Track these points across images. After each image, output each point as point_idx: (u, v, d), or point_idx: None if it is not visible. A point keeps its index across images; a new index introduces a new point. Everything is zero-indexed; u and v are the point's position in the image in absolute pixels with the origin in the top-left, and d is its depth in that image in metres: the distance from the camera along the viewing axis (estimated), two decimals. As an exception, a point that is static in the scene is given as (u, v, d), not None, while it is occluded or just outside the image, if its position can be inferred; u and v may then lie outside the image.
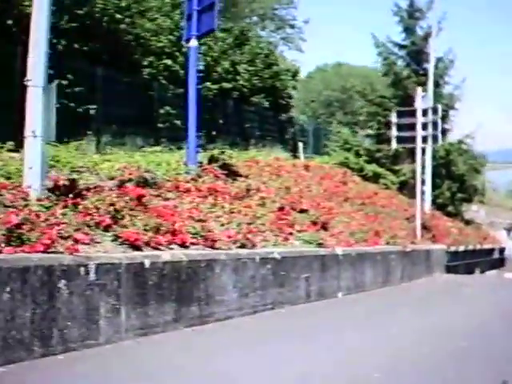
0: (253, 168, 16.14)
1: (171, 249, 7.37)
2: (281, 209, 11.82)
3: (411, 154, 26.07)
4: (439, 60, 26.16)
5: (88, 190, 7.95)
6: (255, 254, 8.48)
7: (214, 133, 18.90)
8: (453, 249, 17.54)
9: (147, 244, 7.10)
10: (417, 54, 26.49)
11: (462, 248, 18.47)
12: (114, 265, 6.08)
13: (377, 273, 12.38)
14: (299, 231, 11.17)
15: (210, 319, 7.40)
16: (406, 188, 25.63)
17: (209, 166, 12.77)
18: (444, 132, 26.82)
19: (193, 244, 7.90)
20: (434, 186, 24.91)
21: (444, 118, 26.76)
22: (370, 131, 27.01)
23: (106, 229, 7.01)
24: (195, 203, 9.75)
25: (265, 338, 6.97)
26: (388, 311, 9.59)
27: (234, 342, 6.73)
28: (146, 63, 16.96)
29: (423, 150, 23.87)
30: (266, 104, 24.48)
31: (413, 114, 16.67)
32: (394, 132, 17.32)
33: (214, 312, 7.48)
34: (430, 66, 23.99)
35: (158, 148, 13.36)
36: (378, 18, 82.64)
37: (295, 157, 24.99)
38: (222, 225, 9.31)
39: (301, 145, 26.06)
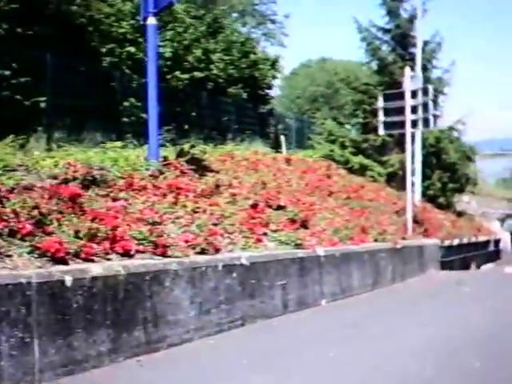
0: (227, 163, 14.80)
1: (108, 259, 6.00)
2: (254, 206, 10.45)
3: (399, 143, 24.85)
4: (426, 43, 24.80)
5: (11, 191, 6.55)
6: (217, 260, 7.11)
7: (186, 127, 17.50)
8: (447, 243, 16.22)
9: (76, 255, 5.72)
10: (402, 38, 25.14)
11: (456, 242, 17.15)
12: (21, 286, 4.69)
13: (365, 274, 11.04)
14: (275, 231, 9.83)
15: (161, 345, 6.04)
16: (395, 180, 24.39)
17: (174, 161, 11.36)
18: (434, 118, 25.59)
19: (139, 252, 6.55)
20: (424, 177, 23.60)
21: (433, 103, 25.51)
22: (356, 120, 25.58)
23: (25, 238, 5.63)
24: (150, 203, 8.39)
25: (230, 367, 5.62)
26: (377, 321, 8.24)
27: (191, 376, 5.38)
28: (105, 51, 15.51)
29: (412, 138, 22.62)
30: (245, 95, 23.10)
31: (401, 96, 15.32)
32: (380, 117, 15.99)
33: (166, 336, 6.12)
34: (418, 50, 22.59)
35: (118, 143, 11.93)
36: (361, 2, 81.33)
37: (277, 151, 23.62)
38: (182, 227, 7.96)
39: (283, 138, 24.69)
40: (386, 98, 15.97)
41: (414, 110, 15.21)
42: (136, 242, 6.63)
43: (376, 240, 12.40)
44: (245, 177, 13.34)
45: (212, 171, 12.84)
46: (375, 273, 11.48)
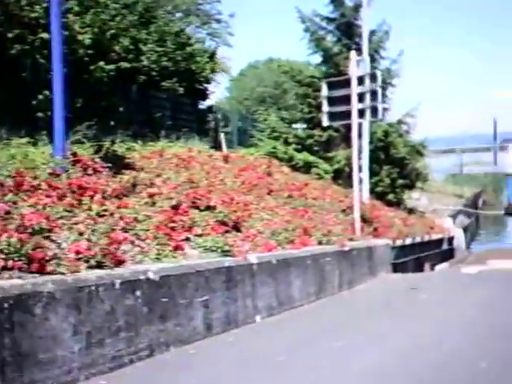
0: (154, 160, 13.31)
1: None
2: (176, 207, 8.96)
3: (346, 138, 23.54)
4: (373, 32, 23.55)
5: None
6: (114, 276, 5.61)
7: (112, 123, 15.91)
8: (399, 243, 14.93)
9: None
10: (348, 28, 23.83)
11: (408, 241, 15.88)
12: None
13: (308, 282, 9.63)
14: (200, 235, 8.38)
15: (29, 394, 4.52)
16: (342, 177, 23.15)
17: (85, 158, 9.80)
18: (383, 110, 24.38)
19: (7, 269, 5.02)
20: (373, 173, 22.37)
21: (382, 95, 24.32)
22: (300, 115, 24.15)
23: None
24: (41, 206, 6.85)
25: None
26: (320, 342, 6.83)
27: None
28: (13, 36, 13.79)
29: (359, 133, 21.34)
30: (181, 90, 21.52)
31: (347, 83, 13.96)
32: (324, 107, 14.64)
33: (35, 381, 4.60)
34: (364, 39, 21.24)
35: (23, 140, 10.34)
36: None
37: (217, 150, 22.18)
38: (81, 234, 6.45)
39: (223, 136, 23.25)
40: (331, 87, 14.62)
41: (361, 98, 13.88)
42: (3, 256, 5.10)
43: (320, 242, 11.01)
44: (173, 175, 11.85)
45: (134, 169, 11.37)
46: (320, 280, 10.08)
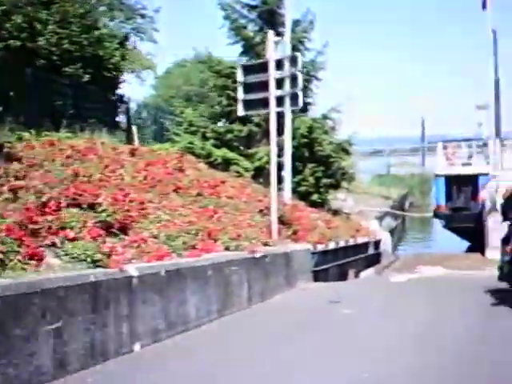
0: (42, 150, 11.46)
1: None
2: (43, 204, 7.21)
3: (267, 134, 22.01)
4: (297, 22, 22.05)
5: None
6: None
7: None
8: (320, 248, 13.39)
9: None
10: (270, 16, 22.21)
11: (331, 246, 14.37)
12: None
13: (208, 297, 7.99)
14: (72, 239, 6.66)
15: None
16: (263, 175, 21.57)
17: None
18: (306, 105, 22.91)
19: None
20: (296, 171, 20.89)
21: (305, 88, 22.84)
22: (219, 109, 22.42)
23: None
24: None
25: None
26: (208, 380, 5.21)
27: None
28: None
29: (281, 128, 19.83)
30: (87, 77, 19.55)
31: (265, 68, 12.37)
32: (240, 95, 13.03)
33: None
34: (287, 29, 19.67)
35: None
36: None
37: (129, 143, 20.36)
38: None
39: (135, 129, 21.41)
40: (247, 71, 13.01)
41: (280, 84, 12.31)
42: None
43: (228, 248, 9.39)
44: (58, 167, 10.05)
45: (11, 160, 9.56)
46: (224, 293, 8.45)
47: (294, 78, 12.22)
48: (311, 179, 21.27)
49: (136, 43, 42.69)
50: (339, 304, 9.36)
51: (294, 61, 12.34)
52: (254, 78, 12.81)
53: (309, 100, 22.83)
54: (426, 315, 8.56)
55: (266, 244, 11.24)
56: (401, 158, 59.33)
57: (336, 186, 23.21)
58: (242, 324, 8.13)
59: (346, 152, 22.55)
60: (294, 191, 20.62)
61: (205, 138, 22.12)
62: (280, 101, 12.37)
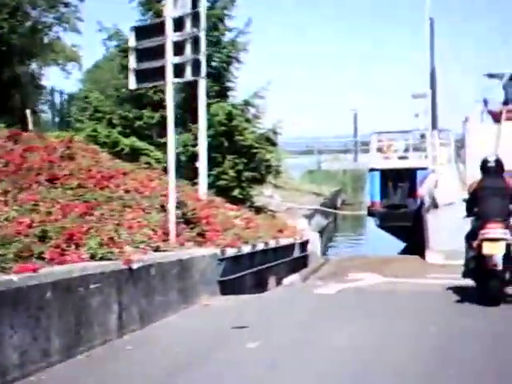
0: None
1: None
2: None
3: (182, 120, 19.55)
4: (215, -3, 19.70)
5: None
6: None
7: None
8: (231, 252, 10.88)
9: None
10: (185, -11, 19.72)
11: (247, 249, 11.89)
12: None
13: (44, 331, 5.48)
14: None
15: None
16: (178, 167, 19.08)
17: None
18: (225, 90, 20.47)
19: None
20: (214, 163, 18.49)
21: (225, 71, 20.41)
22: (125, 92, 19.75)
23: None
24: None
25: None
26: None
27: None
28: None
29: (195, 115, 17.37)
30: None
31: (161, 30, 9.86)
32: (131, 64, 10.53)
33: None
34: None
35: None
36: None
37: (24, 130, 17.61)
38: None
39: (29, 113, 18.64)
40: (141, 35, 10.50)
41: (180, 49, 9.83)
42: None
43: (93, 257, 6.88)
44: None
45: None
46: (76, 323, 5.94)
47: (195, 41, 9.76)
48: (231, 172, 18.82)
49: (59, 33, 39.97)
50: (245, 331, 6.97)
51: (195, 18, 9.85)
52: (149, 43, 10.33)
53: (229, 84, 20.47)
54: (361, 352, 6.23)
55: (157, 249, 8.79)
56: (334, 155, 57.51)
57: (260, 181, 20.78)
58: (95, 371, 5.64)
59: (271, 142, 20.13)
60: (213, 186, 18.32)
61: (111, 125, 19.53)
62: (179, 70, 9.89)
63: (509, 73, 30.03)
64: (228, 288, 10.35)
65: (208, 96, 18.21)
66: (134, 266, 7.13)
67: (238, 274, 11.02)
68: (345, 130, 60.71)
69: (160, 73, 10.04)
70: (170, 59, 9.74)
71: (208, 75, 18.22)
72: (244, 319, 7.64)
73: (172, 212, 9.95)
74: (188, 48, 9.81)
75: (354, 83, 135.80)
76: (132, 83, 10.65)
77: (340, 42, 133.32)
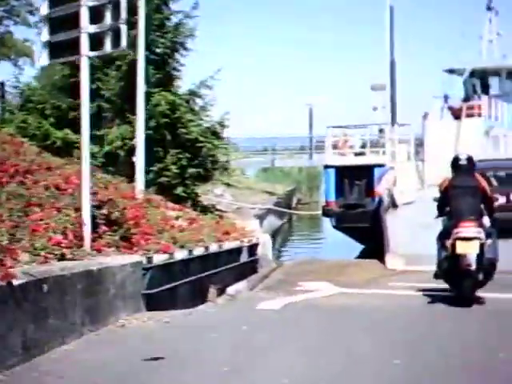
0: None
1: None
2: None
3: (121, 111, 17.96)
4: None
5: None
6: None
7: None
8: (161, 259, 9.22)
9: None
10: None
11: (180, 255, 10.27)
12: None
13: None
14: None
15: None
16: (117, 163, 17.55)
17: None
18: (170, 79, 18.82)
19: None
20: (155, 158, 16.94)
21: (170, 58, 18.78)
22: (63, 80, 18.07)
23: None
24: None
25: None
26: None
27: None
28: None
29: (130, 99, 15.76)
30: None
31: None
32: (44, 35, 8.87)
33: None
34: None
35: None
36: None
37: None
38: None
39: None
40: (54, 1, 8.86)
41: (98, 17, 8.22)
42: None
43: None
44: None
45: None
46: None
47: (115, 6, 8.13)
48: (174, 168, 17.23)
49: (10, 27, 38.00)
50: (160, 363, 5.40)
51: (115, -21, 8.23)
52: (63, 10, 8.70)
53: (174, 73, 18.86)
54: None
55: (62, 257, 7.18)
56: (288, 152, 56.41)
57: (206, 178, 19.19)
58: None
59: (218, 136, 18.54)
60: (154, 183, 16.80)
61: (43, 116, 17.85)
62: (97, 41, 8.27)
63: (469, 68, 28.99)
64: (157, 302, 8.75)
65: (150, 85, 16.68)
66: (16, 282, 5.50)
67: (169, 285, 9.41)
68: (304, 130, 59.52)
69: (76, 46, 8.43)
70: (86, 28, 8.12)
71: (150, 62, 16.68)
72: (159, 347, 6.06)
73: (86, 211, 8.33)
74: (108, 16, 8.21)
75: (314, 80, 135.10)
76: (44, 58, 8.99)
77: (300, 39, 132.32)
